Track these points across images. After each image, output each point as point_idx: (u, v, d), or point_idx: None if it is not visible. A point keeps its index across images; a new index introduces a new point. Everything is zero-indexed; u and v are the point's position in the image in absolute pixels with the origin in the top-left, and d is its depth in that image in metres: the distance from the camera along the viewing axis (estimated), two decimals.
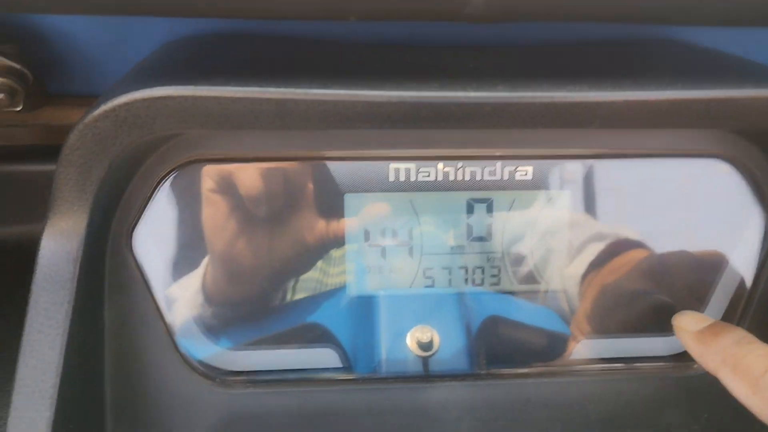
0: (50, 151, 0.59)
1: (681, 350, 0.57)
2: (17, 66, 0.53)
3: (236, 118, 0.39)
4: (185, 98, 0.38)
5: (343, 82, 0.38)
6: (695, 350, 0.47)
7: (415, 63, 0.44)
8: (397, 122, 0.39)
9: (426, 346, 0.56)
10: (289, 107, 0.38)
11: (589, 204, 0.53)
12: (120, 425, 0.49)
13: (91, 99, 0.45)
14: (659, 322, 0.56)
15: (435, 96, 0.37)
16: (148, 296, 0.51)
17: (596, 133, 0.50)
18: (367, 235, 0.53)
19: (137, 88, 0.39)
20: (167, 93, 0.38)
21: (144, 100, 0.38)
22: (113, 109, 0.39)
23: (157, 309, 0.51)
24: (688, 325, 0.48)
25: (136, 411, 0.50)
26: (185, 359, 0.53)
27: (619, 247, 0.54)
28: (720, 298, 0.55)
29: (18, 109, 0.55)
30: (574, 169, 0.52)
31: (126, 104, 0.39)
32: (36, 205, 0.59)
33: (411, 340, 0.56)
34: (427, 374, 0.56)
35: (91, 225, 0.45)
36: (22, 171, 0.59)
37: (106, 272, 0.49)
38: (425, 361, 0.56)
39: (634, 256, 0.54)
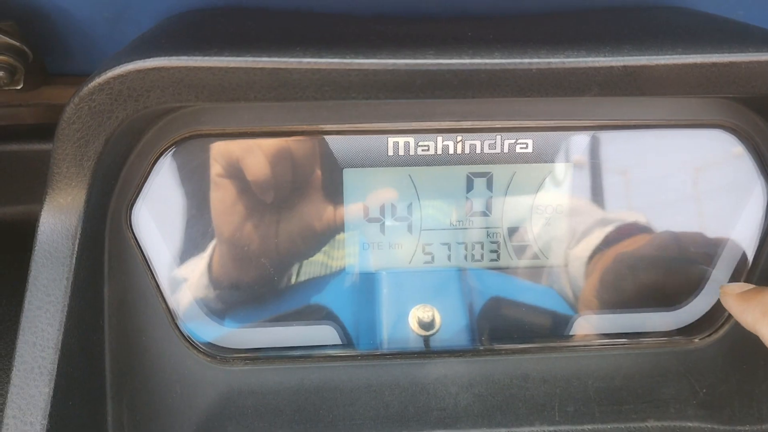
0: (51, 130, 0.59)
1: (680, 326, 0.56)
2: (16, 43, 0.52)
3: (230, 89, 0.39)
4: (179, 69, 0.38)
5: (337, 51, 0.38)
6: (736, 307, 0.48)
7: (412, 33, 0.44)
8: (392, 91, 0.38)
9: (427, 325, 0.56)
10: (282, 77, 0.38)
11: (591, 176, 0.53)
12: (120, 402, 0.49)
13: None
14: (660, 296, 0.55)
15: (430, 63, 0.37)
16: (148, 274, 0.51)
17: (597, 104, 0.50)
18: (366, 211, 0.53)
19: (131, 61, 0.39)
20: (161, 64, 0.38)
21: (138, 71, 0.38)
22: (107, 82, 0.39)
23: (157, 286, 0.51)
24: (732, 289, 0.49)
25: (136, 388, 0.51)
26: (185, 337, 0.53)
27: (620, 221, 0.54)
28: (723, 269, 0.54)
29: (18, 87, 0.55)
30: (575, 140, 0.51)
31: (120, 76, 0.39)
32: (38, 184, 0.60)
33: (412, 319, 0.56)
34: (427, 351, 0.56)
35: (89, 201, 0.45)
36: (24, 150, 0.59)
37: (106, 249, 0.49)
38: (426, 340, 0.56)
39: (636, 229, 0.54)
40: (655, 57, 0.38)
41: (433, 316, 0.56)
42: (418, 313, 0.56)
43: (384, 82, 0.38)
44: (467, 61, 0.37)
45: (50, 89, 0.60)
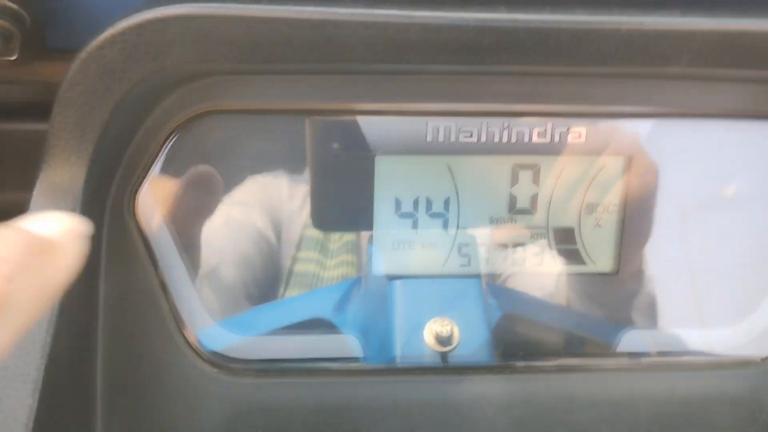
0: (46, 109, 0.53)
1: (739, 344, 0.51)
2: (12, 5, 0.47)
3: (266, 47, 0.34)
4: (207, 19, 0.32)
5: (394, 4, 0.33)
6: None
7: None
8: (454, 53, 0.33)
9: (446, 340, 0.50)
10: (329, 32, 0.32)
11: (650, 172, 0.48)
12: (111, 417, 0.44)
13: None
14: (720, 312, 0.51)
15: (503, 18, 0.32)
16: (152, 270, 0.45)
17: (660, 89, 0.45)
18: (397, 205, 0.48)
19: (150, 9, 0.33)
20: (187, 12, 0.32)
21: (158, 20, 0.33)
22: (122, 33, 0.33)
23: (161, 285, 0.46)
24: None
25: (131, 401, 0.45)
26: (189, 343, 0.47)
27: (680, 224, 0.49)
28: None
29: (13, 57, 0.49)
30: (634, 130, 0.47)
31: (137, 27, 0.33)
32: (30, 168, 0.54)
33: (428, 333, 0.50)
34: (461, 367, 0.50)
35: (89, 181, 0.40)
36: (16, 129, 0.53)
37: (104, 239, 0.43)
38: (444, 355, 0.50)
39: (697, 234, 0.49)
40: (760, 22, 0.33)
41: (454, 328, 0.50)
42: (435, 327, 0.50)
43: (447, 41, 0.33)
44: (547, 17, 0.32)
45: (47, 65, 0.54)
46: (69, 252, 0.26)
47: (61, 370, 0.38)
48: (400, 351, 0.50)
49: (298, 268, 0.48)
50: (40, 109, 0.53)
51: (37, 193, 0.39)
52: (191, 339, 0.47)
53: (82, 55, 0.34)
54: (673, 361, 0.51)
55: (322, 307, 0.50)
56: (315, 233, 0.48)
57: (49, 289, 0.25)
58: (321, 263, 0.49)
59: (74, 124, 0.37)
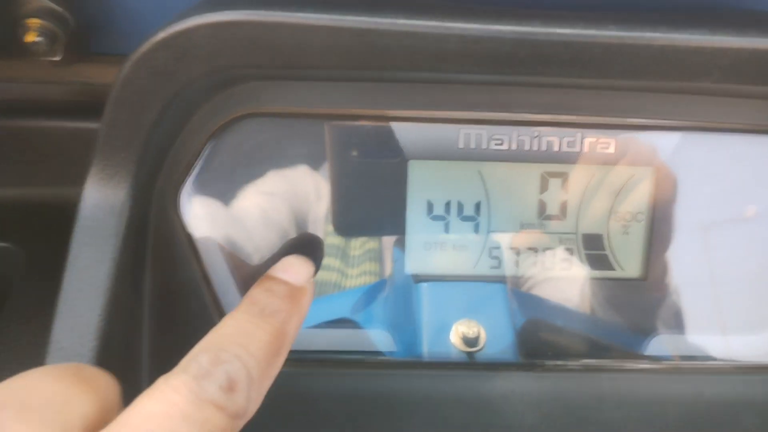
0: (85, 109, 0.55)
1: (765, 352, 0.51)
2: (58, 8, 0.48)
3: (309, 53, 0.35)
4: (255, 25, 0.34)
5: (433, 16, 0.34)
6: None
7: (507, 11, 0.40)
8: (489, 64, 0.34)
9: (472, 342, 0.51)
10: (370, 40, 0.34)
11: (677, 183, 0.48)
12: None
13: None
14: (747, 318, 0.51)
15: (539, 32, 0.33)
16: (194, 262, 0.47)
17: (689, 103, 0.46)
18: (429, 208, 0.49)
19: (200, 15, 0.35)
20: (236, 18, 0.34)
21: (208, 26, 0.34)
22: (174, 37, 0.35)
23: (204, 277, 0.47)
24: None
25: None
26: None
27: (707, 233, 0.49)
28: None
29: (57, 59, 0.51)
30: (662, 142, 0.47)
31: (187, 31, 0.35)
32: (70, 164, 0.56)
33: (455, 333, 0.51)
34: (493, 364, 0.51)
35: (137, 177, 0.41)
36: (56, 127, 0.55)
37: (150, 232, 0.45)
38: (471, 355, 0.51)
39: (725, 243, 0.49)
40: None
41: (481, 330, 0.51)
42: (461, 328, 0.51)
43: (483, 52, 0.34)
44: (581, 32, 0.33)
45: (89, 67, 0.55)
46: (310, 293, 0.37)
47: (111, 353, 0.39)
48: (427, 350, 0.51)
49: (320, 276, 0.49)
50: (81, 108, 0.55)
51: (89, 186, 0.41)
52: None
53: (135, 56, 0.36)
54: (699, 365, 0.51)
55: (345, 308, 0.51)
56: (336, 240, 0.49)
57: (301, 322, 0.36)
58: (342, 272, 0.50)
59: (125, 122, 0.39)
